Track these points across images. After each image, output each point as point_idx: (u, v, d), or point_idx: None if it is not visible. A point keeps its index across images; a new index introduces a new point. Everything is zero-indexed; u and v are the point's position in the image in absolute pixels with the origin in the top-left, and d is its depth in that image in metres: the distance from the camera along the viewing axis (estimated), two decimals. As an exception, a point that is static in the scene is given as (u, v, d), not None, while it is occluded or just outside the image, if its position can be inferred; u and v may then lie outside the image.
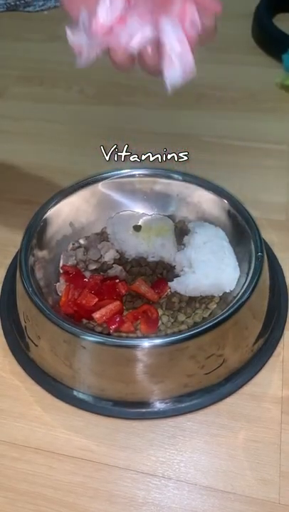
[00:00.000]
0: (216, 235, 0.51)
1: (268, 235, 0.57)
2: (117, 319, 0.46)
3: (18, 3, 1.13)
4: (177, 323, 0.47)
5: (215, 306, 0.48)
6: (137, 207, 0.56)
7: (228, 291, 0.47)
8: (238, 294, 0.44)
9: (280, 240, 0.57)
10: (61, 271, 0.51)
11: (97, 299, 0.47)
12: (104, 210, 0.55)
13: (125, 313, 0.47)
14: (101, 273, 0.51)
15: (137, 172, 0.54)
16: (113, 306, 0.46)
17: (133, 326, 0.46)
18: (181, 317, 0.47)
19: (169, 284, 0.49)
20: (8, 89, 0.82)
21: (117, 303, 0.47)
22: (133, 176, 0.54)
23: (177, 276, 0.49)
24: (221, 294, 0.48)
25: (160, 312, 0.47)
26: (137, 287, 0.48)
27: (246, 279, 0.45)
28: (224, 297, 0.48)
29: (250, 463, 0.41)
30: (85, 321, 0.47)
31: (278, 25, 0.88)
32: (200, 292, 0.48)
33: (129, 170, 0.54)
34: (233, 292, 0.47)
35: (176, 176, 0.54)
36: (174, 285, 0.48)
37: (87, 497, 0.40)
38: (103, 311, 0.46)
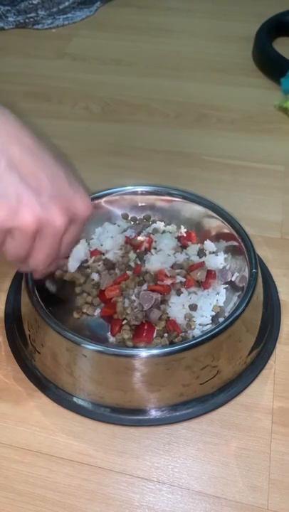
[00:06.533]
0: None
1: (263, 252, 0.60)
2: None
3: (27, 20, 1.18)
4: None
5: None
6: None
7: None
8: (233, 308, 0.46)
9: (274, 257, 0.60)
10: None
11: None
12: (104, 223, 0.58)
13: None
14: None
15: (139, 189, 0.57)
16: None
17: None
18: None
19: None
20: (17, 105, 0.85)
21: None
22: (136, 192, 0.57)
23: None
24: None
25: None
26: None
27: (241, 294, 0.48)
28: (218, 314, 0.50)
29: (240, 470, 0.43)
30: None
31: (278, 49, 0.91)
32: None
33: (131, 187, 0.57)
34: (228, 307, 0.50)
35: (175, 192, 0.57)
36: None
37: (84, 499, 0.41)
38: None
